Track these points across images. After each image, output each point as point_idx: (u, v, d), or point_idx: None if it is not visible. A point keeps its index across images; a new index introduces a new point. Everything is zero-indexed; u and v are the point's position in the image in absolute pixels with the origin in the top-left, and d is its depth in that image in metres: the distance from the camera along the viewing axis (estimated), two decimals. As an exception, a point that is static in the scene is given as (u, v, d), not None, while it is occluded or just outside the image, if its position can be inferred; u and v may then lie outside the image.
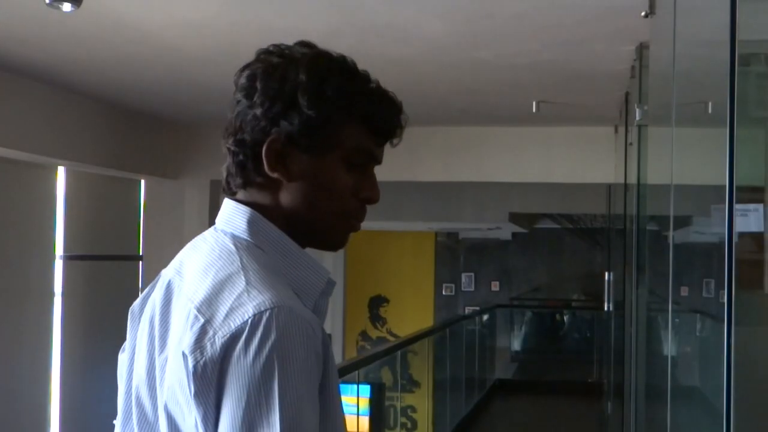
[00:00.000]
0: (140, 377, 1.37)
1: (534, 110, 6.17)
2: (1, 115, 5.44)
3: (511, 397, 12.11)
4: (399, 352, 7.78)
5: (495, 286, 15.17)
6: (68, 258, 7.11)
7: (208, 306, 1.25)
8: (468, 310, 14.33)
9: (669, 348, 3.56)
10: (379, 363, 7.13)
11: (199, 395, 1.20)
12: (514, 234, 14.61)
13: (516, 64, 5.02)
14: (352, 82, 1.35)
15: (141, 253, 7.96)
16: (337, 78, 1.34)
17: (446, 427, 9.29)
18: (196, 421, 1.21)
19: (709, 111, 2.17)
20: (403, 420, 8.86)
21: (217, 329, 1.22)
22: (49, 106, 5.94)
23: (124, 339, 1.45)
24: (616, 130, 6.65)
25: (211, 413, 1.20)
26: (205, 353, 1.21)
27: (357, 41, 4.42)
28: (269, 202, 1.36)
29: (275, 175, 1.34)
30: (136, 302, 1.45)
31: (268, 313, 1.20)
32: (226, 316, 1.22)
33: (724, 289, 1.69)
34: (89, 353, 7.35)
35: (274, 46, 1.40)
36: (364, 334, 14.21)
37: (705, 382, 2.90)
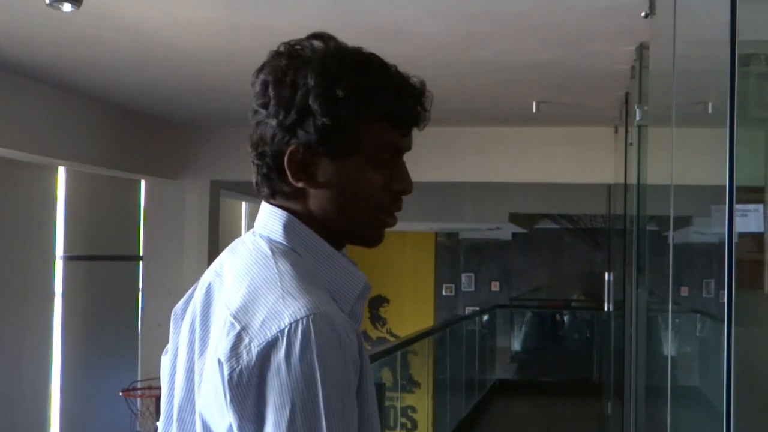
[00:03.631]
0: (180, 380, 1.37)
1: (534, 110, 6.17)
2: (1, 115, 5.44)
3: (511, 397, 12.11)
4: (399, 352, 7.78)
5: (495, 286, 15.17)
6: (68, 258, 7.10)
7: (244, 313, 1.24)
8: (468, 310, 14.34)
9: (669, 348, 3.57)
10: (379, 363, 7.13)
11: (235, 403, 1.19)
12: (514, 234, 14.62)
13: (516, 64, 5.02)
14: (365, 78, 1.31)
15: (141, 253, 7.96)
16: (349, 78, 1.30)
17: (446, 427, 9.29)
18: (230, 429, 1.20)
19: (709, 111, 2.17)
20: (403, 420, 8.86)
21: (253, 337, 1.21)
22: (49, 106, 5.94)
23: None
24: (616, 130, 6.65)
25: (248, 422, 1.19)
26: (240, 361, 1.20)
27: (357, 41, 4.41)
28: (300, 209, 1.35)
29: (300, 184, 1.33)
30: (179, 304, 1.44)
31: (304, 321, 1.19)
32: (262, 323, 1.21)
33: (724, 289, 1.69)
34: (89, 353, 7.35)
35: (285, 44, 1.36)
36: (364, 334, 14.16)
37: (705, 382, 2.90)
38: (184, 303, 1.43)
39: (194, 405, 1.31)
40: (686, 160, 2.70)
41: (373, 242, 1.40)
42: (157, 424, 1.52)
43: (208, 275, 1.39)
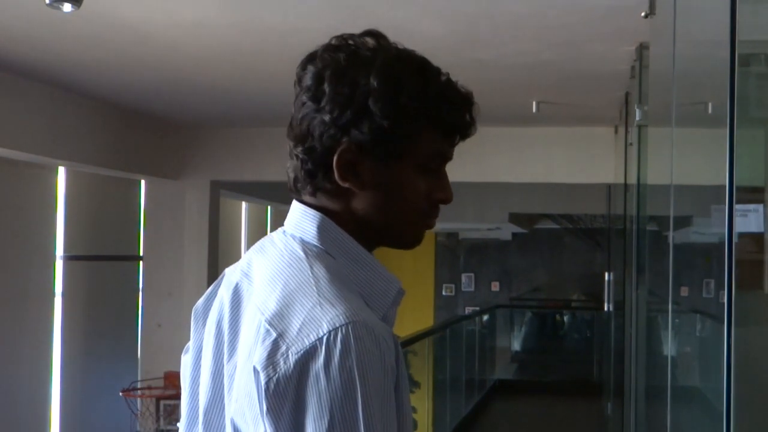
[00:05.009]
0: (206, 382, 1.34)
1: (534, 110, 6.17)
2: (1, 115, 5.44)
3: (511, 397, 12.10)
4: (399, 352, 7.76)
5: (495, 286, 15.17)
6: (68, 258, 7.11)
7: (279, 319, 1.20)
8: (468, 310, 14.34)
9: (669, 348, 3.57)
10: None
11: (271, 412, 1.16)
12: (514, 234, 14.62)
13: (516, 64, 5.02)
14: (426, 86, 1.31)
15: (141, 254, 7.96)
16: (412, 84, 1.29)
17: (446, 427, 9.29)
18: None
19: (709, 111, 2.17)
20: (403, 420, 8.84)
21: (290, 344, 1.17)
22: (49, 106, 5.94)
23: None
24: (616, 131, 6.65)
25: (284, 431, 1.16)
26: (278, 369, 1.16)
27: (357, 41, 4.41)
28: (340, 209, 1.32)
29: (346, 184, 1.29)
30: (200, 302, 1.41)
31: (343, 329, 1.16)
32: (299, 330, 1.18)
33: (724, 289, 1.69)
34: (89, 353, 7.35)
35: (339, 38, 1.32)
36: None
37: (705, 382, 2.90)
38: (205, 301, 1.40)
39: (222, 409, 1.29)
40: (686, 160, 2.70)
41: (412, 245, 1.39)
42: (178, 425, 1.51)
43: (234, 274, 1.36)
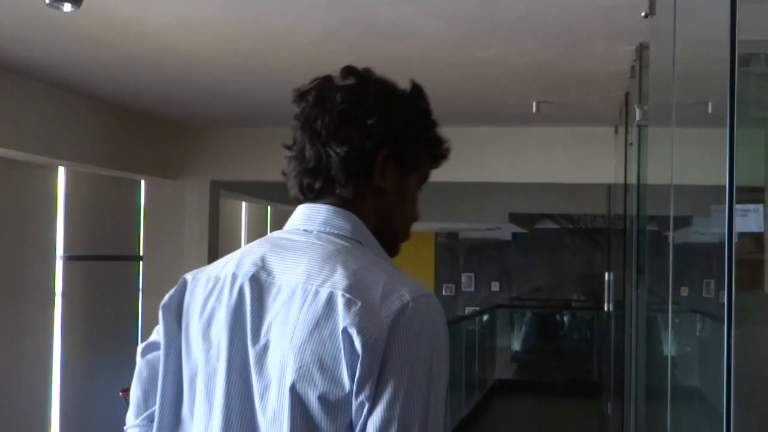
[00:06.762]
0: (221, 373, 1.40)
1: (534, 110, 6.17)
2: (1, 115, 5.44)
3: (511, 397, 12.11)
4: (399, 352, 7.75)
5: (495, 286, 15.18)
6: (68, 258, 7.10)
7: (357, 291, 1.32)
8: (468, 310, 14.34)
9: (669, 348, 3.56)
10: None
11: (364, 369, 1.27)
12: (514, 234, 14.63)
13: (516, 64, 5.01)
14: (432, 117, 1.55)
15: (141, 254, 7.96)
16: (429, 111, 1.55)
17: (446, 427, 9.29)
18: (348, 396, 1.28)
19: (709, 111, 2.17)
20: (403, 420, 8.83)
21: (378, 310, 1.30)
22: (49, 106, 5.94)
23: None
24: (616, 131, 6.65)
25: (370, 388, 1.27)
26: (372, 330, 1.28)
27: (357, 41, 4.42)
28: (368, 209, 1.48)
29: (381, 184, 1.47)
30: (170, 301, 1.50)
31: (423, 299, 1.33)
32: (383, 298, 1.31)
33: (724, 289, 1.69)
34: (89, 353, 7.35)
35: (351, 68, 1.50)
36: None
37: (705, 382, 2.90)
38: (173, 299, 1.49)
39: (249, 392, 1.36)
40: (686, 160, 2.70)
41: (396, 252, 1.57)
42: (135, 422, 1.53)
43: (242, 268, 1.44)
